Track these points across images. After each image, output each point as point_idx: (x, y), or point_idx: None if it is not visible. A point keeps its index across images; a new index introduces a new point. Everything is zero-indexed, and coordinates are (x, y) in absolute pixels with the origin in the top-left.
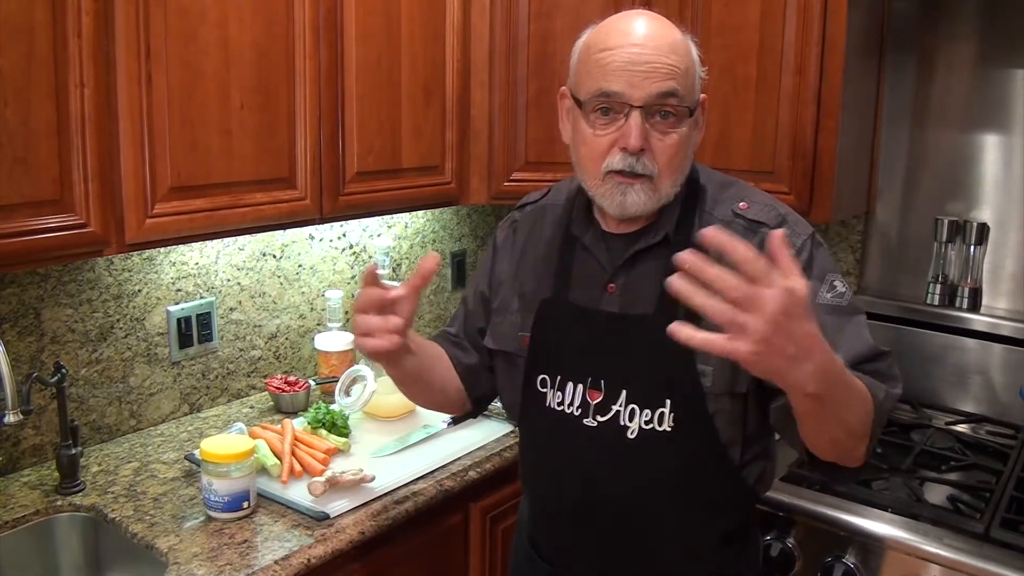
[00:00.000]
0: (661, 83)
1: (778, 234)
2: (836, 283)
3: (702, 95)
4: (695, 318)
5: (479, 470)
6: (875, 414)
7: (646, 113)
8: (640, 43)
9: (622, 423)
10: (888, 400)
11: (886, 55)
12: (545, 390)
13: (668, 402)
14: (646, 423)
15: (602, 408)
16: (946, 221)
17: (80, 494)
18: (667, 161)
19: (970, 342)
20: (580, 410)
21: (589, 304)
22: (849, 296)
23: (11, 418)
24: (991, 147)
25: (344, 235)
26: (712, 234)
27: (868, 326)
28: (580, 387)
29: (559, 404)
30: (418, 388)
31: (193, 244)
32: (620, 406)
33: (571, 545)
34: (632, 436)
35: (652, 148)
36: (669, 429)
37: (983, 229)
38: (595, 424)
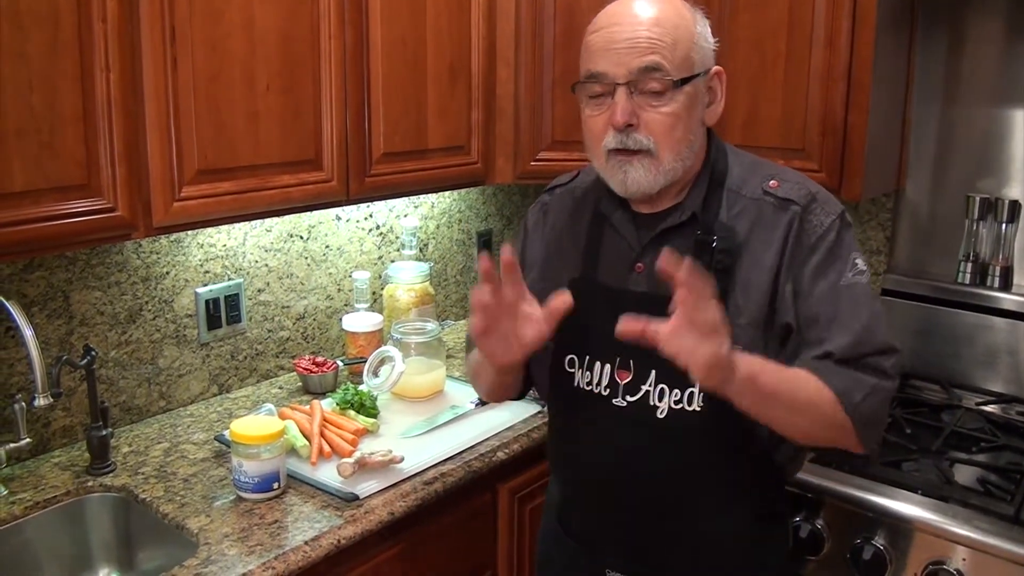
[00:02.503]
0: (641, 58)
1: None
2: (858, 261)
3: (715, 67)
4: (726, 298)
5: (507, 451)
6: (856, 411)
7: (634, 88)
8: (620, 21)
9: (651, 403)
10: (874, 396)
11: (917, 30)
12: (573, 370)
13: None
14: (675, 403)
15: (631, 388)
16: (977, 199)
17: (111, 475)
18: (663, 133)
19: (1001, 321)
20: (609, 390)
21: (617, 284)
22: (868, 275)
23: (41, 401)
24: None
25: (371, 216)
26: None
27: (883, 317)
28: (608, 367)
29: (587, 384)
30: (503, 389)
31: (220, 226)
32: (649, 386)
33: (600, 525)
34: (662, 416)
35: (645, 122)
36: (699, 409)
37: (1015, 207)
38: (624, 404)
